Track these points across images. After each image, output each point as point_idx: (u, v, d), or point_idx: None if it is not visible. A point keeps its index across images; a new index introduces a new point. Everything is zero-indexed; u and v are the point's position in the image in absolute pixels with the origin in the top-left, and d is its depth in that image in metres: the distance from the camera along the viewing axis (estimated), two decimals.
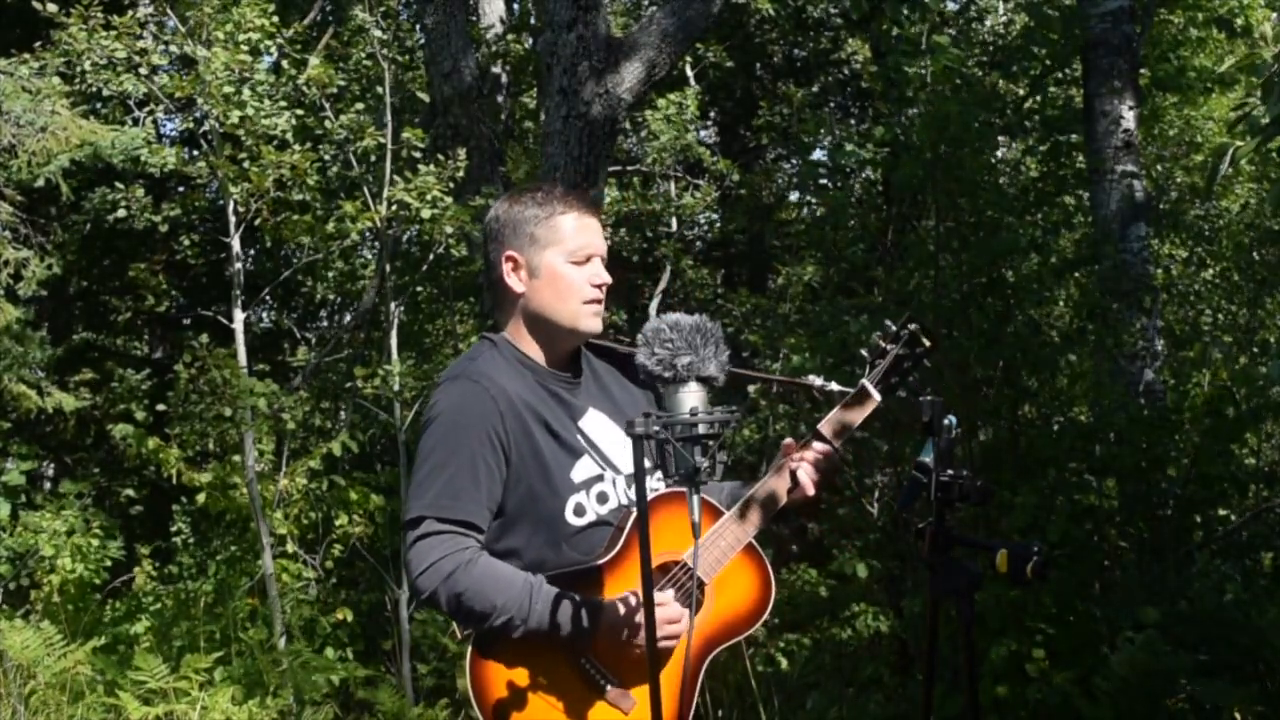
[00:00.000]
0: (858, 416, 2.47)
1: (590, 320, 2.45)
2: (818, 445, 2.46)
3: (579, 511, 2.42)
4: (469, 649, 2.32)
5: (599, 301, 2.45)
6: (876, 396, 2.46)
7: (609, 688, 2.33)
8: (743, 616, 2.48)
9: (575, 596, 2.31)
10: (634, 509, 2.38)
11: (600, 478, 2.45)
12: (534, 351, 2.48)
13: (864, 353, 2.54)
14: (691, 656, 2.39)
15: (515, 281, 2.46)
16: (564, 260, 2.43)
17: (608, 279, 2.47)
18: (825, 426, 2.47)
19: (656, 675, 2.09)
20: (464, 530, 2.31)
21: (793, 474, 2.45)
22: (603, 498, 2.45)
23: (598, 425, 2.49)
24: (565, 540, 2.39)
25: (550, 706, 2.30)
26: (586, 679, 2.33)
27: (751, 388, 7.73)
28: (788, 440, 2.50)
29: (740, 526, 2.44)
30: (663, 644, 2.29)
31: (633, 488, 2.44)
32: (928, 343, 2.48)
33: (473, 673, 2.31)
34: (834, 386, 2.49)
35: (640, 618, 2.24)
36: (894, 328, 2.52)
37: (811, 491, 2.46)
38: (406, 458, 6.55)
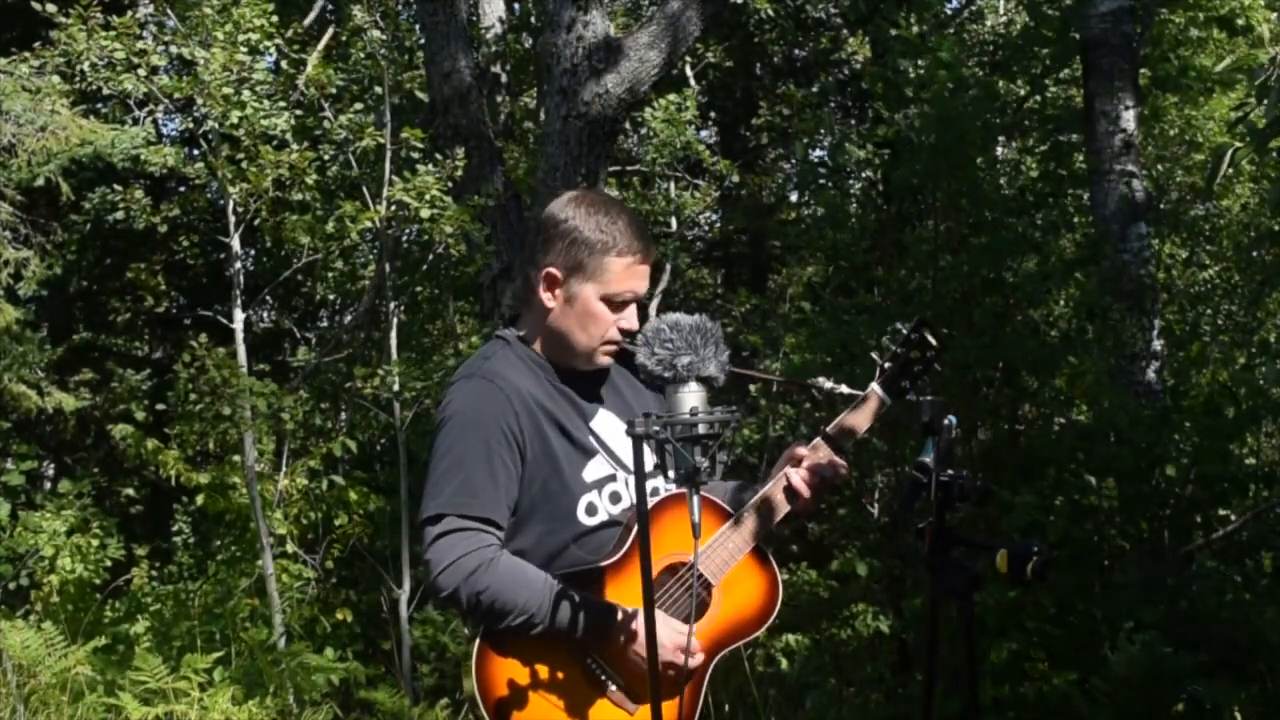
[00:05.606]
0: (864, 420, 2.49)
1: (603, 359, 2.48)
2: (821, 453, 2.46)
3: (591, 511, 2.42)
4: (477, 643, 2.32)
5: (618, 345, 2.46)
6: (885, 397, 2.47)
7: (612, 686, 2.34)
8: (749, 619, 2.49)
9: (594, 600, 2.32)
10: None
11: (613, 478, 2.45)
12: (548, 356, 2.50)
13: (875, 356, 2.54)
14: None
15: (548, 298, 2.46)
16: (598, 298, 2.43)
17: (635, 325, 2.46)
18: (831, 429, 2.48)
19: (657, 682, 2.09)
20: (484, 527, 2.31)
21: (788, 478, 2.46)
22: (615, 497, 2.45)
23: (609, 426, 2.49)
24: (575, 540, 2.40)
25: (554, 702, 2.30)
26: (591, 677, 2.34)
27: (753, 387, 7.72)
28: (798, 448, 2.50)
29: (746, 530, 2.45)
30: (668, 669, 2.28)
31: None
32: (934, 343, 2.48)
33: (480, 667, 2.30)
34: (842, 389, 2.49)
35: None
36: (904, 331, 2.54)
37: (807, 494, 2.45)
38: (406, 458, 6.55)
